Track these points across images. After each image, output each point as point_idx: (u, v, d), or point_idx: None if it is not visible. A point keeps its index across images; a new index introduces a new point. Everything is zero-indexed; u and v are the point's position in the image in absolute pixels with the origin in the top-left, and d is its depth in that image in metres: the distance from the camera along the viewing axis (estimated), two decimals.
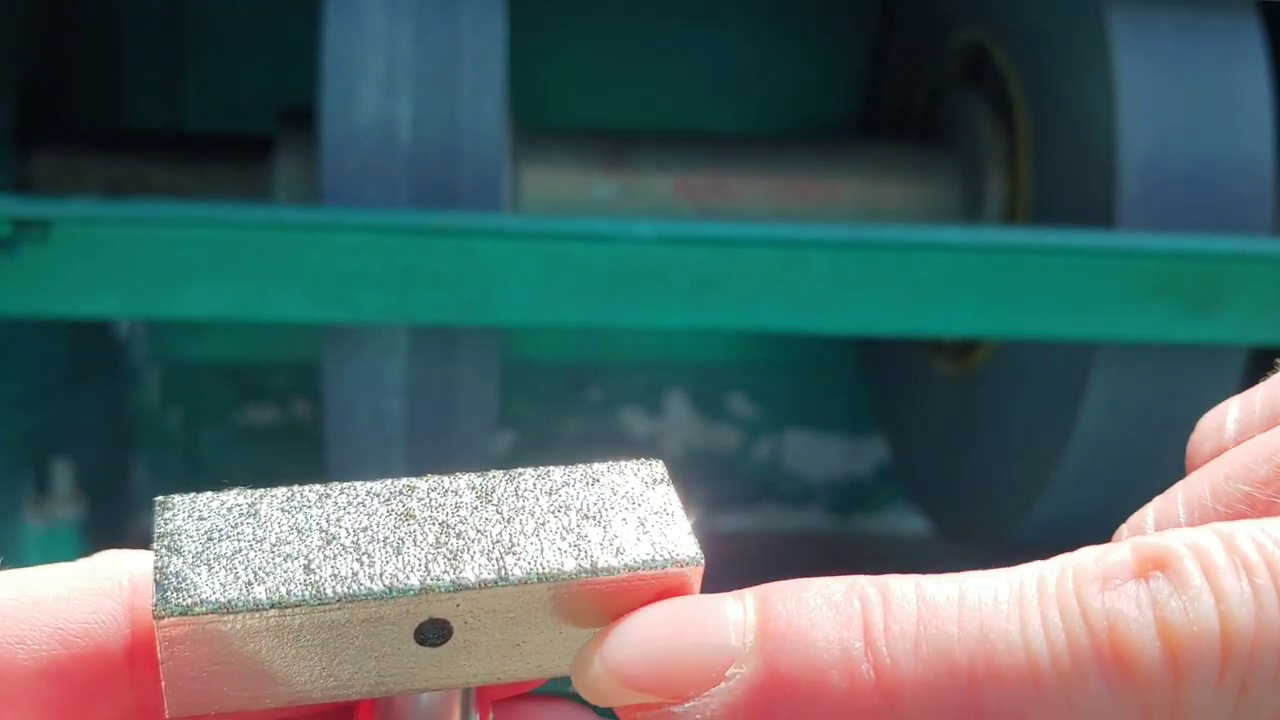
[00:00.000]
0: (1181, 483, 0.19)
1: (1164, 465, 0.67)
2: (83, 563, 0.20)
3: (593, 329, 0.84)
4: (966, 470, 0.77)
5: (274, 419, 0.87)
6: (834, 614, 0.16)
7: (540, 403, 0.89)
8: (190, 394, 0.86)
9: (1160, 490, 0.18)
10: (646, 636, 0.17)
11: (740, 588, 0.17)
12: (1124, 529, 0.19)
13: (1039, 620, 0.15)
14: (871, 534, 0.94)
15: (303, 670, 0.18)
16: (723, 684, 0.16)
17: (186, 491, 0.20)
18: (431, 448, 0.63)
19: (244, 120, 0.80)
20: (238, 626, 0.18)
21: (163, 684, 0.18)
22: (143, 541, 0.19)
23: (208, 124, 0.84)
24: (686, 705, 0.16)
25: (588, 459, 0.20)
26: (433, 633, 0.18)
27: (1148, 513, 0.19)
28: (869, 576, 0.16)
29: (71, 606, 0.19)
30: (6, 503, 0.67)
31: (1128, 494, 0.68)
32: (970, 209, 0.72)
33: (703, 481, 0.92)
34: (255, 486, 0.19)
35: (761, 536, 0.92)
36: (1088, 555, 0.16)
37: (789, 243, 0.54)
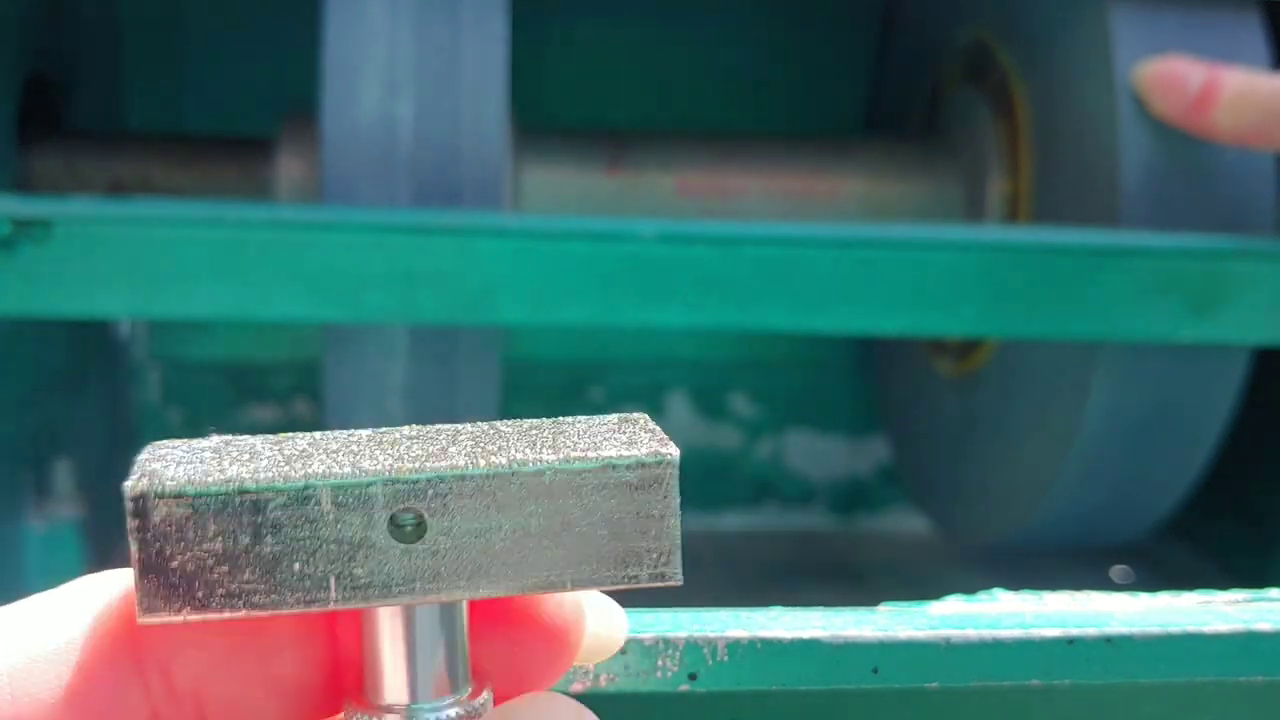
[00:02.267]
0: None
1: (1166, 464, 0.67)
2: (77, 603, 0.20)
3: (593, 329, 0.84)
4: (968, 470, 0.77)
5: (275, 419, 0.87)
6: None
7: (540, 402, 0.89)
8: (190, 394, 0.86)
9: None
10: None
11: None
12: None
13: None
14: (873, 534, 0.94)
15: (276, 568, 0.19)
16: None
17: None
18: None
19: (244, 120, 0.80)
20: (210, 506, 0.18)
21: (134, 586, 0.18)
22: None
23: (208, 124, 0.84)
24: None
25: None
26: (407, 523, 0.19)
27: None
28: None
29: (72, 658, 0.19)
30: (6, 503, 0.67)
31: (1130, 493, 0.68)
32: (972, 208, 0.72)
33: (703, 481, 0.92)
34: None
35: (762, 536, 0.92)
36: None
37: (791, 242, 0.54)
